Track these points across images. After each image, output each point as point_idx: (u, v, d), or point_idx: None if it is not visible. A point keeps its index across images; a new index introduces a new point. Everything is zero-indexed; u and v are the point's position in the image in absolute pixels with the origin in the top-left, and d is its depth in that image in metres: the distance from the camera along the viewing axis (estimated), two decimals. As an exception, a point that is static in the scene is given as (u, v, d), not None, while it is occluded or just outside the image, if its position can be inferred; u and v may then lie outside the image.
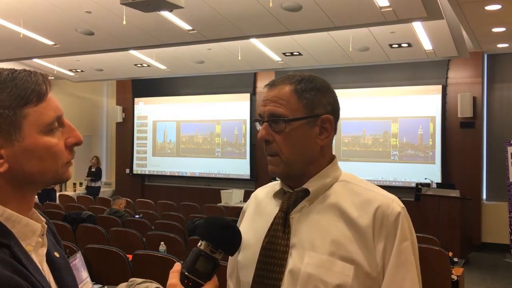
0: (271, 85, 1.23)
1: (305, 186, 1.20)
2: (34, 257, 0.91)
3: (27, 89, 0.90)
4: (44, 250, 0.96)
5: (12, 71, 0.92)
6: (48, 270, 0.95)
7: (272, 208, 1.24)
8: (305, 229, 1.17)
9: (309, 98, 1.18)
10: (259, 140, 1.21)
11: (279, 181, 1.28)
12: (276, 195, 1.26)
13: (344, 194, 1.18)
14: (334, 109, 1.22)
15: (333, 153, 1.27)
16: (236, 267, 1.31)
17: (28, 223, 0.92)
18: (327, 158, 1.23)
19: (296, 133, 1.17)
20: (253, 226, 1.26)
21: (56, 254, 1.00)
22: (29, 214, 0.94)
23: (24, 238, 0.91)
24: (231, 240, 1.12)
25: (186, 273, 1.05)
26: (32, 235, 0.92)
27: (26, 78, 0.91)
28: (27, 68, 0.96)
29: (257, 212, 1.30)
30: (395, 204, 1.15)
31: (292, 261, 1.14)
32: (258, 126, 1.22)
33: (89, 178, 11.22)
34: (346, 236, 1.12)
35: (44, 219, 0.98)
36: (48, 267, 0.96)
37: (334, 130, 1.22)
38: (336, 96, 1.24)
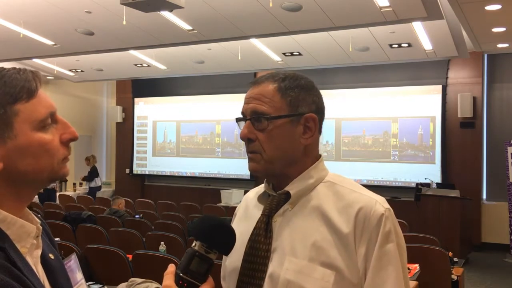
0: (254, 82, 1.20)
1: (287, 188, 1.17)
2: (28, 259, 0.90)
3: (16, 86, 0.89)
4: (38, 252, 0.94)
5: (1, 69, 0.91)
6: (42, 272, 0.94)
7: (256, 212, 1.22)
8: (287, 233, 1.14)
9: (293, 96, 1.15)
10: (241, 138, 1.18)
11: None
12: (260, 198, 1.24)
13: (328, 196, 1.15)
14: (318, 108, 1.19)
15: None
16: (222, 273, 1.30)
17: (23, 225, 0.90)
18: (312, 158, 1.20)
19: (279, 132, 1.14)
20: (239, 229, 1.23)
21: (51, 256, 0.99)
22: (24, 215, 0.93)
23: (19, 240, 0.89)
24: (225, 239, 1.10)
25: (181, 274, 1.03)
26: (27, 237, 0.91)
27: (15, 76, 0.90)
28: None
29: (245, 215, 1.29)
30: (378, 205, 1.11)
31: (272, 267, 1.12)
32: (242, 126, 1.19)
33: (84, 180, 11.31)
34: (328, 241, 1.09)
35: (39, 221, 0.97)
36: (42, 269, 0.95)
37: (319, 129, 1.19)
38: (320, 95, 1.22)
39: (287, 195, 1.17)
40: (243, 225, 1.25)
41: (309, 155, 1.19)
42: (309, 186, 1.17)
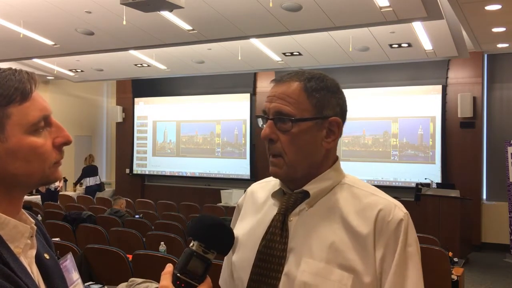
0: (278, 80, 1.16)
1: (305, 188, 1.14)
2: (23, 259, 0.90)
3: (10, 88, 0.87)
4: (33, 252, 0.94)
5: None
6: (37, 272, 0.94)
7: (270, 208, 1.20)
8: (303, 234, 1.12)
9: (319, 98, 1.12)
10: (263, 138, 1.14)
11: (275, 179, 1.22)
12: (275, 195, 1.20)
13: (346, 198, 1.13)
14: (342, 111, 1.17)
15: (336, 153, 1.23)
16: (226, 274, 1.28)
17: (17, 225, 0.90)
18: (331, 161, 1.18)
19: (302, 135, 1.11)
20: (249, 225, 1.22)
21: (46, 256, 0.98)
22: (18, 216, 0.93)
23: (13, 241, 0.89)
24: (223, 239, 1.09)
25: (178, 274, 1.02)
26: (21, 237, 0.90)
27: (10, 77, 0.88)
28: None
29: (254, 210, 1.25)
30: (398, 210, 1.10)
31: (288, 267, 1.10)
32: (260, 123, 1.17)
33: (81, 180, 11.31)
34: (345, 243, 1.08)
35: (33, 221, 0.96)
36: (38, 269, 0.94)
37: (340, 132, 1.17)
38: (344, 97, 1.19)
39: (305, 195, 1.15)
40: (252, 221, 1.23)
41: (329, 158, 1.18)
42: (327, 187, 1.15)
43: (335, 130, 1.15)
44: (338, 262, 1.07)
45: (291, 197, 1.16)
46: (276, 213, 1.16)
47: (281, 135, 1.12)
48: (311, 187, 1.14)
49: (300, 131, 1.11)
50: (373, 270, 1.06)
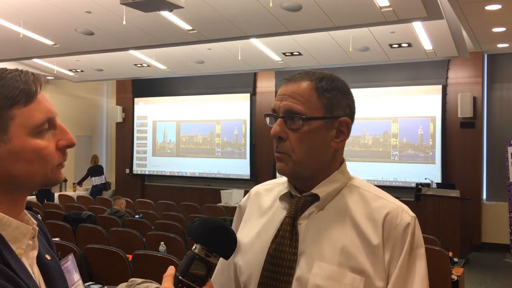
0: (289, 79, 1.16)
1: (314, 191, 1.14)
2: (24, 260, 0.90)
3: (15, 89, 0.87)
4: (35, 253, 0.94)
5: (3, 70, 0.90)
6: (38, 273, 0.94)
7: (277, 211, 1.19)
8: (314, 237, 1.11)
9: (330, 98, 1.12)
10: (272, 136, 1.13)
11: (283, 181, 1.23)
12: (283, 198, 1.19)
13: (354, 200, 1.14)
14: (351, 112, 1.18)
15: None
16: (224, 276, 1.27)
17: (19, 226, 0.90)
18: (338, 162, 1.19)
19: (312, 133, 1.11)
20: (255, 229, 1.21)
21: (48, 257, 0.98)
22: (20, 216, 0.92)
23: (15, 241, 0.89)
24: (226, 243, 1.09)
25: (180, 277, 1.03)
26: (23, 238, 0.90)
27: (16, 78, 0.88)
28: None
29: (259, 213, 1.24)
30: (405, 213, 1.11)
31: (300, 271, 1.09)
32: (268, 121, 1.16)
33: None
34: (357, 247, 1.08)
35: (35, 221, 0.96)
36: (39, 270, 0.94)
37: (349, 133, 1.18)
38: (354, 99, 1.19)
39: (314, 198, 1.14)
40: (258, 224, 1.22)
41: (337, 159, 1.18)
42: (335, 189, 1.15)
43: (344, 131, 1.16)
44: (350, 265, 1.07)
45: (300, 200, 1.16)
46: (286, 216, 1.16)
47: (291, 133, 1.12)
48: (320, 190, 1.14)
49: (310, 130, 1.11)
50: (383, 274, 1.07)
